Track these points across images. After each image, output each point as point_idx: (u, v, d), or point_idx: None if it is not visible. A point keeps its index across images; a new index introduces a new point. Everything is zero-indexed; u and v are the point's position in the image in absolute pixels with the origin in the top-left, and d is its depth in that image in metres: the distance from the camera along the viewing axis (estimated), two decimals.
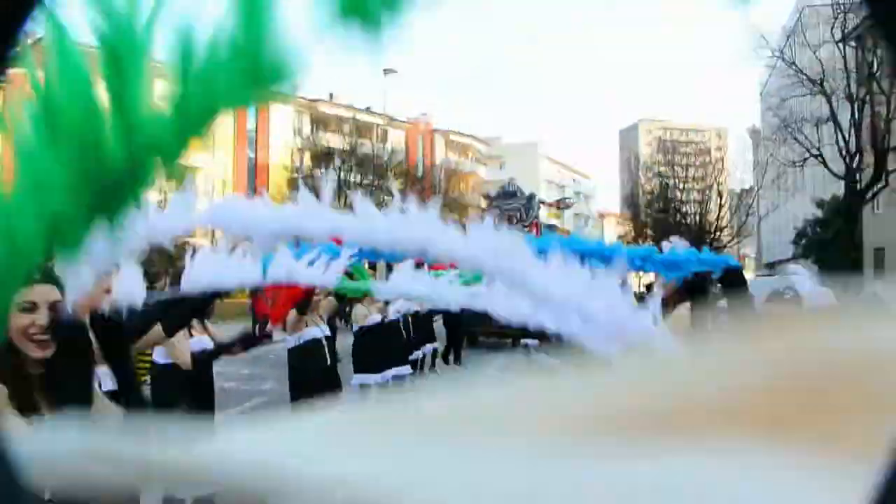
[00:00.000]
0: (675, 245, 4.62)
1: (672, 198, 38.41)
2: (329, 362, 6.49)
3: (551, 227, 26.83)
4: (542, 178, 74.20)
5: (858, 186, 16.43)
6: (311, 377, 6.30)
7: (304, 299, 6.09)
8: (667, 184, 39.53)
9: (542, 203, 31.21)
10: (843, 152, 16.38)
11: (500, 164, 64.40)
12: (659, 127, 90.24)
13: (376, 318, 9.05)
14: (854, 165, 16.10)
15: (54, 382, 2.01)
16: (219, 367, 5.06)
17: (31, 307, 1.94)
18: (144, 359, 4.70)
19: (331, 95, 53.27)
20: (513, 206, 23.14)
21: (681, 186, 40.02)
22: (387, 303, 9.05)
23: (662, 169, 41.58)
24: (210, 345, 4.71)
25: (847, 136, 16.25)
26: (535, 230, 22.70)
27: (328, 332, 6.58)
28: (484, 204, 25.55)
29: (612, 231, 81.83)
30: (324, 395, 6.06)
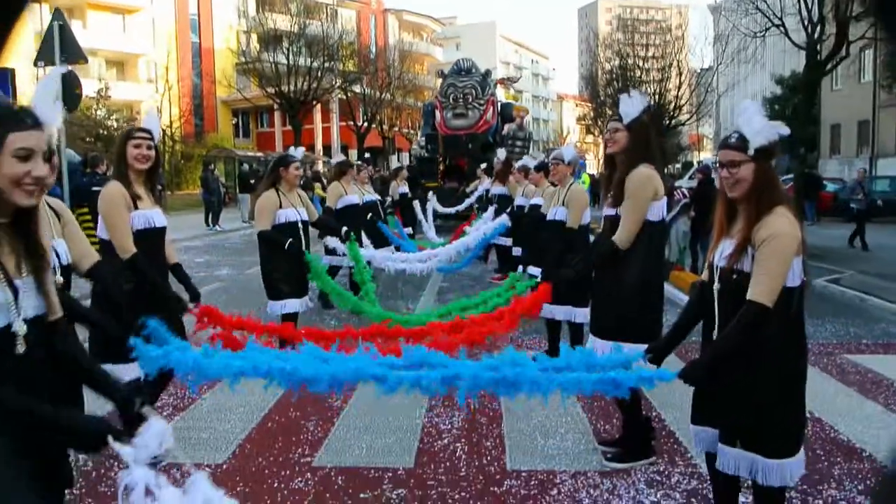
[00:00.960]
0: (633, 98, 4.24)
1: (632, 76, 37.61)
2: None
3: (508, 105, 25.88)
4: (499, 58, 72.64)
5: (819, 57, 15.91)
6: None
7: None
8: (626, 62, 38.61)
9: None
10: (806, 22, 15.80)
11: (457, 44, 62.68)
12: (619, 5, 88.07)
13: None
14: (816, 36, 15.54)
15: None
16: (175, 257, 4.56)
17: (27, 155, 1.89)
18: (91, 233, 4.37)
19: None
20: (467, 84, 22.03)
21: (640, 65, 39.17)
22: None
23: (622, 48, 40.54)
24: (162, 220, 4.26)
25: (809, 4, 15.62)
26: (490, 108, 21.80)
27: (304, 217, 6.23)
28: (437, 82, 24.28)
29: (571, 113, 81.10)
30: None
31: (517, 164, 10.51)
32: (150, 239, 4.12)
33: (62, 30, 10.27)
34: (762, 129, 2.82)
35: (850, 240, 16.73)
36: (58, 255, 3.18)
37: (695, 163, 46.29)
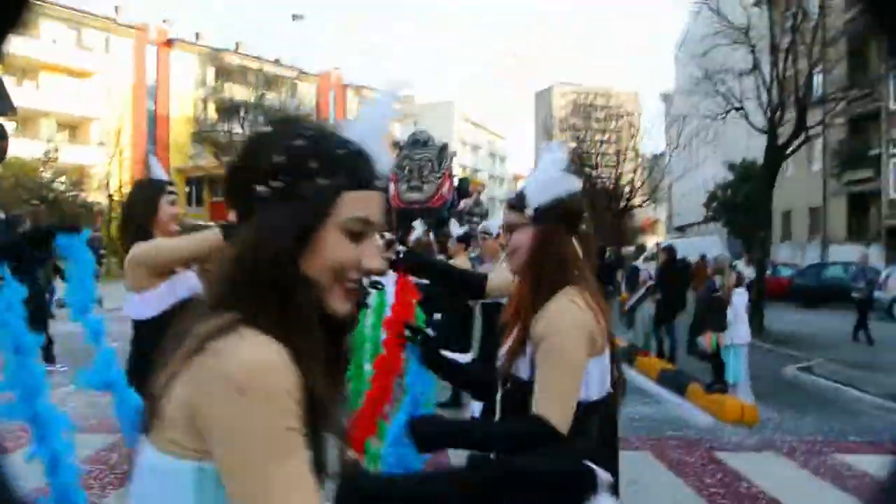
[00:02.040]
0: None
1: (587, 160, 38.15)
2: None
3: (465, 180, 25.51)
4: (456, 137, 73.41)
5: (778, 142, 15.99)
6: None
7: None
8: (582, 146, 39.18)
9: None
10: (766, 106, 15.94)
11: (415, 122, 63.03)
12: (573, 90, 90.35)
13: None
14: (776, 119, 15.67)
15: None
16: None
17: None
18: None
19: (237, 45, 50.74)
20: (424, 156, 21.62)
21: (596, 148, 39.80)
22: None
23: (579, 132, 41.18)
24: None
25: (770, 88, 15.78)
26: (447, 182, 21.39)
27: None
28: (393, 153, 23.87)
29: None
30: None
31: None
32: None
33: None
34: (547, 184, 2.11)
35: (853, 333, 15.20)
36: None
37: (648, 246, 46.65)
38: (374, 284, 3.86)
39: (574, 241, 2.14)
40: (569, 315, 1.99)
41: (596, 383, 2.04)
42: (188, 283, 3.13)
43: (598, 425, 2.08)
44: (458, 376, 2.51)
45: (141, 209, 3.20)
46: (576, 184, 2.14)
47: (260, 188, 1.07)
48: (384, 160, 1.16)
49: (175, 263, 3.13)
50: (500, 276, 3.02)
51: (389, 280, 2.97)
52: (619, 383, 2.17)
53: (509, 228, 2.18)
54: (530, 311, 2.04)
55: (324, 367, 1.07)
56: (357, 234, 1.10)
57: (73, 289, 2.49)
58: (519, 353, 2.03)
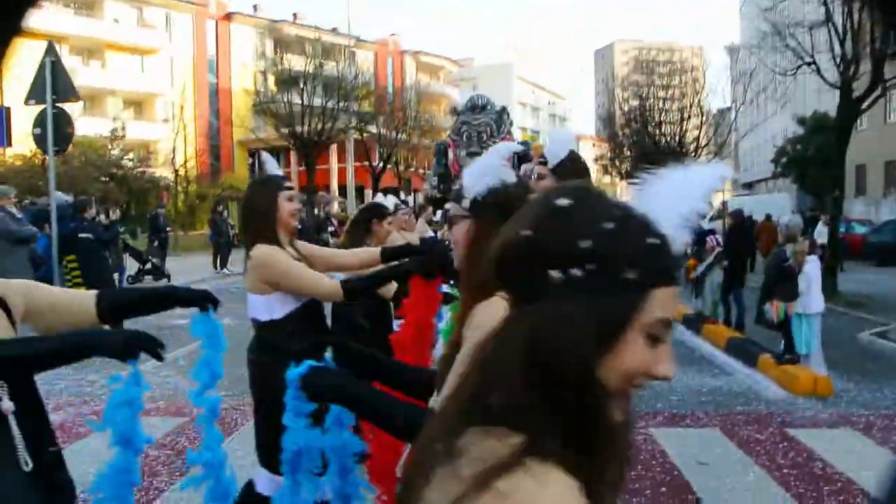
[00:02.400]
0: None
1: (650, 117, 37.19)
2: None
3: (525, 144, 25.07)
4: (516, 99, 72.59)
5: (853, 95, 15.21)
6: None
7: None
8: (645, 103, 38.20)
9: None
10: (839, 60, 15.15)
11: (473, 85, 62.47)
12: (634, 47, 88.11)
13: None
14: (850, 73, 14.87)
15: None
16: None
17: None
18: None
19: (294, 16, 50.93)
20: (482, 121, 21.32)
21: (659, 106, 38.76)
22: None
23: (640, 88, 40.16)
24: None
25: (843, 40, 14.98)
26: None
27: None
28: (450, 119, 23.54)
29: (589, 153, 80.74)
30: None
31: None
32: (313, 310, 3.33)
33: (54, 67, 9.74)
34: (483, 173, 1.91)
35: None
36: None
37: (714, 203, 45.50)
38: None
39: None
40: (495, 314, 1.75)
41: None
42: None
43: None
44: (386, 376, 2.19)
45: (261, 208, 3.19)
46: (512, 176, 1.94)
47: (555, 274, 0.90)
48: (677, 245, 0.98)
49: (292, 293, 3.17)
50: None
51: None
52: None
53: (450, 222, 2.02)
54: (466, 311, 1.81)
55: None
56: (657, 337, 0.96)
57: (201, 367, 2.47)
58: (453, 358, 1.82)
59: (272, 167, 3.44)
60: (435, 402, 1.87)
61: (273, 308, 3.18)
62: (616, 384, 0.92)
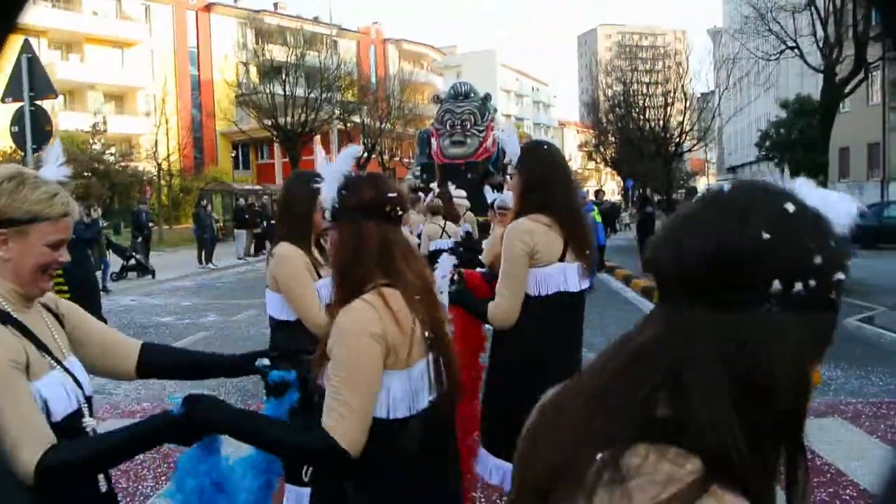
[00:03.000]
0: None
1: (634, 103, 37.19)
2: None
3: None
4: (500, 86, 72.39)
5: (836, 79, 15.25)
6: None
7: None
8: (629, 89, 38.20)
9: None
10: (822, 44, 15.16)
11: (457, 73, 62.23)
12: (618, 31, 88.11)
13: None
14: (833, 57, 14.89)
15: None
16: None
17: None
18: None
19: (275, 6, 50.54)
20: (466, 109, 21.11)
21: (643, 91, 38.79)
22: None
23: (624, 73, 40.14)
24: None
25: (826, 23, 14.99)
26: (490, 135, 20.93)
27: None
28: (435, 108, 23.28)
29: (573, 139, 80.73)
30: None
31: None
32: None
33: (31, 63, 9.57)
34: (329, 181, 1.99)
35: None
36: (78, 384, 1.85)
37: (699, 189, 45.58)
38: None
39: (396, 231, 1.99)
40: (351, 317, 1.84)
41: (399, 400, 1.85)
42: (326, 291, 2.96)
43: (421, 439, 1.87)
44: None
45: (303, 204, 3.13)
46: (347, 174, 1.99)
47: (778, 285, 0.83)
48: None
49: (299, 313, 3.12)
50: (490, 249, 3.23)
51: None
52: (447, 392, 1.94)
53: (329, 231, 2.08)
54: (334, 315, 1.89)
55: None
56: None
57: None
58: (324, 362, 1.85)
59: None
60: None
61: (288, 309, 3.14)
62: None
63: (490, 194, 7.61)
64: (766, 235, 0.83)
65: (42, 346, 1.74)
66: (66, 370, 1.78)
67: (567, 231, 3.02)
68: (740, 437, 0.80)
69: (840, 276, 0.85)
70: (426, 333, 1.90)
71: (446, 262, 2.70)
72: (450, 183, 12.37)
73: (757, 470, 0.81)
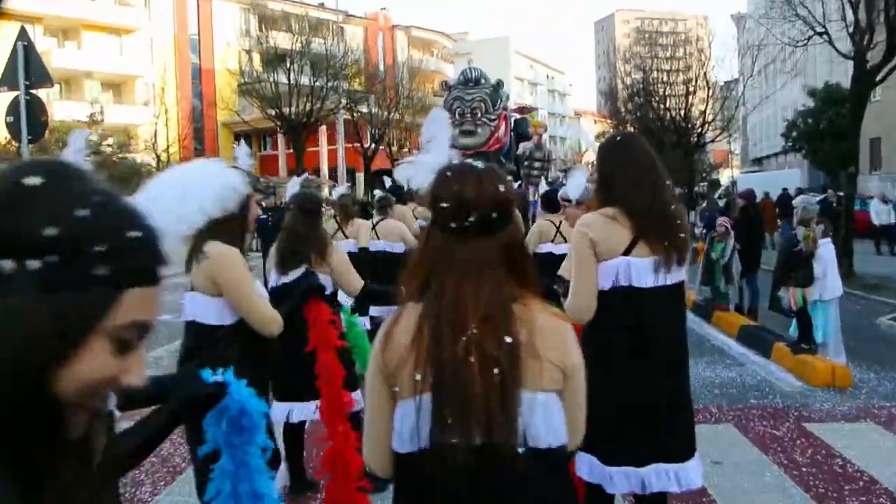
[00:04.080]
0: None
1: (654, 91, 35.82)
2: None
3: (523, 121, 23.15)
4: (513, 75, 70.98)
5: (867, 66, 14.23)
6: None
7: None
8: (648, 76, 36.81)
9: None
10: (852, 29, 14.55)
11: (469, 60, 60.73)
12: (636, 17, 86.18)
13: None
14: (864, 43, 14.00)
15: None
16: None
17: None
18: None
19: None
20: (476, 96, 19.50)
21: (663, 79, 37.43)
22: None
23: (643, 61, 38.73)
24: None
25: (856, 7, 14.37)
26: (503, 124, 19.41)
27: None
28: (443, 95, 21.71)
29: (590, 129, 79.11)
30: None
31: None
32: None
33: (27, 51, 9.23)
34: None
35: None
36: None
37: (722, 181, 43.95)
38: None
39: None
40: None
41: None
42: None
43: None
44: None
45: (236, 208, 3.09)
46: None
47: (8, 264, 0.81)
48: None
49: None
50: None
51: None
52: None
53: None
54: None
55: None
56: (128, 343, 0.91)
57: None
58: None
59: (245, 164, 3.62)
60: None
61: (224, 313, 3.10)
62: (74, 395, 0.84)
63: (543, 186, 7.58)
64: None
65: None
66: None
67: (636, 224, 2.84)
68: None
69: (101, 247, 0.79)
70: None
71: None
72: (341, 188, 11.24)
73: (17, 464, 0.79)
